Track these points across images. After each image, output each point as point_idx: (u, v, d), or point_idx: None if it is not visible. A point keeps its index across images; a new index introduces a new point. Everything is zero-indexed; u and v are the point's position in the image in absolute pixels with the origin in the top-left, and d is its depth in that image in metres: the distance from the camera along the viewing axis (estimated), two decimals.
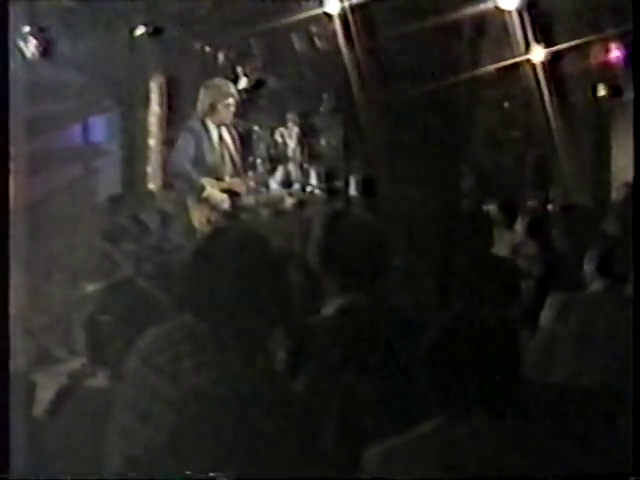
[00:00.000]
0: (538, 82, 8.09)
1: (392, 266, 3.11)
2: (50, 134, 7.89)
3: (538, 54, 8.08)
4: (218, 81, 6.89)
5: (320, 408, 2.64)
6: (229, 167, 6.69)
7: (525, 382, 2.58)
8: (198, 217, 6.53)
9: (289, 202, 7.35)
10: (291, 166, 8.41)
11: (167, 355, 2.46)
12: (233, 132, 6.75)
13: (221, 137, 6.68)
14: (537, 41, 7.98)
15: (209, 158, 6.61)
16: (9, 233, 3.21)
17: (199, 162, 6.58)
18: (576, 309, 4.11)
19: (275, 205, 7.26)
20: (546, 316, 4.16)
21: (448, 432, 2.37)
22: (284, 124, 8.64)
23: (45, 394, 3.11)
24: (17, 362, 3.21)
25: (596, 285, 4.18)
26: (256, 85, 8.49)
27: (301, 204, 7.24)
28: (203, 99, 6.68)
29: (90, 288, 4.23)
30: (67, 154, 8.45)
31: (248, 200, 6.72)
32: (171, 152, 6.94)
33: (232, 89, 6.84)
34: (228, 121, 6.69)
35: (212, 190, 6.54)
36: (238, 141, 6.77)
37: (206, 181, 6.54)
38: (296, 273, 3.15)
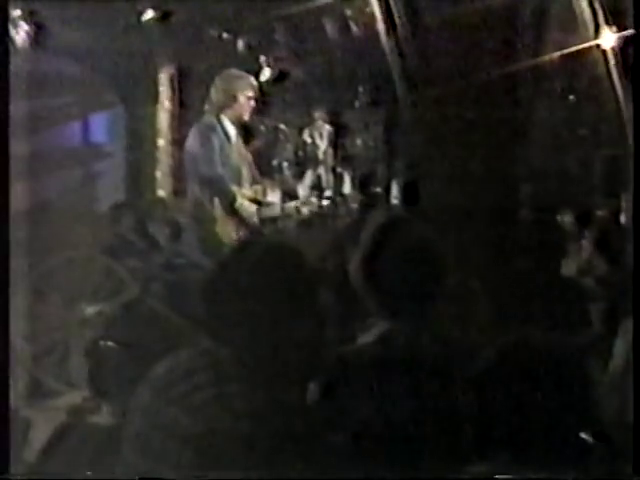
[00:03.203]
0: (609, 71, 8.05)
1: (444, 286, 3.10)
2: (44, 133, 7.95)
3: (609, 39, 8.05)
4: (235, 72, 6.89)
5: (354, 448, 2.64)
6: (251, 172, 6.69)
7: (595, 423, 2.56)
8: (228, 231, 6.50)
9: (320, 211, 7.34)
10: (322, 170, 8.42)
11: (183, 386, 2.47)
12: (255, 131, 6.75)
13: (241, 137, 6.68)
14: (608, 24, 7.95)
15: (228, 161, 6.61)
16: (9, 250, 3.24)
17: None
18: None
19: (304, 215, 7.25)
20: (620, 344, 4.13)
21: None
22: (313, 122, 8.66)
23: (40, 433, 3.12)
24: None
25: None
26: (281, 77, 8.53)
27: (334, 214, 7.23)
28: (218, 91, 6.70)
29: (90, 310, 4.27)
30: (64, 156, 8.52)
31: (274, 210, 6.71)
32: (199, 155, 6.92)
33: (252, 80, 6.86)
34: (247, 117, 6.69)
35: (243, 200, 6.55)
36: (262, 142, 6.77)
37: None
38: (330, 293, 3.15)
